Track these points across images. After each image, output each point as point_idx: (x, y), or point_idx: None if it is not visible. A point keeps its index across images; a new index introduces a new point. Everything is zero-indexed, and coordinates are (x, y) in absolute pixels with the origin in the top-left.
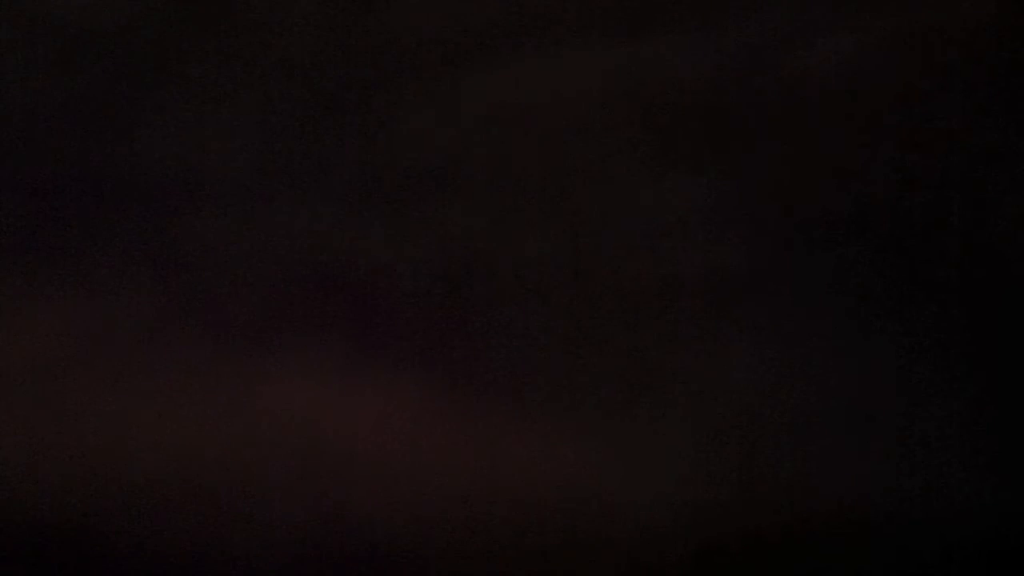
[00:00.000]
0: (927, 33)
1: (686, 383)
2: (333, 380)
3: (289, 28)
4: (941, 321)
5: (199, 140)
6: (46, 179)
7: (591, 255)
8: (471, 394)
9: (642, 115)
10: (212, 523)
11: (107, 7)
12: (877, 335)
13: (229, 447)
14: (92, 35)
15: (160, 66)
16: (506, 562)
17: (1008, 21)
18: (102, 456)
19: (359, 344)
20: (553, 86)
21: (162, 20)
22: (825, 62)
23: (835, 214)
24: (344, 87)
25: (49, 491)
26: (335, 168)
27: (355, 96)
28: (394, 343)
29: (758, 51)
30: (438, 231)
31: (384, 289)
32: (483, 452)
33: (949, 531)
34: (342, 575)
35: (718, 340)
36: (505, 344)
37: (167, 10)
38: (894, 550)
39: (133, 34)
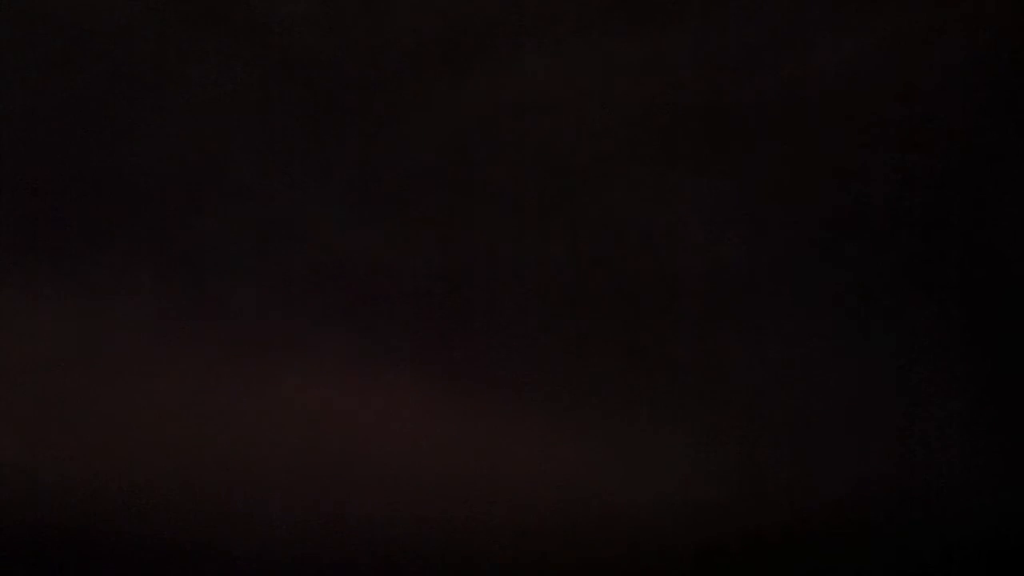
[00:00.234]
0: (928, 33)
1: (686, 382)
2: (335, 380)
3: (290, 28)
4: (941, 321)
5: (200, 140)
6: (47, 179)
7: (591, 254)
8: (472, 394)
9: (642, 114)
10: (214, 522)
11: (107, 7)
12: (877, 335)
13: (231, 447)
14: (92, 35)
15: (160, 66)
16: (507, 561)
17: (1008, 20)
18: (104, 455)
19: (361, 344)
20: (554, 85)
21: (162, 20)
22: (826, 62)
23: (835, 214)
24: (345, 86)
25: (51, 490)
26: (336, 168)
27: (356, 95)
28: (396, 342)
29: (759, 50)
30: (439, 231)
31: (385, 289)
32: (484, 452)
33: (949, 530)
34: (344, 574)
35: (718, 339)
36: (506, 344)
37: (167, 10)
38: (894, 549)
39: (133, 34)
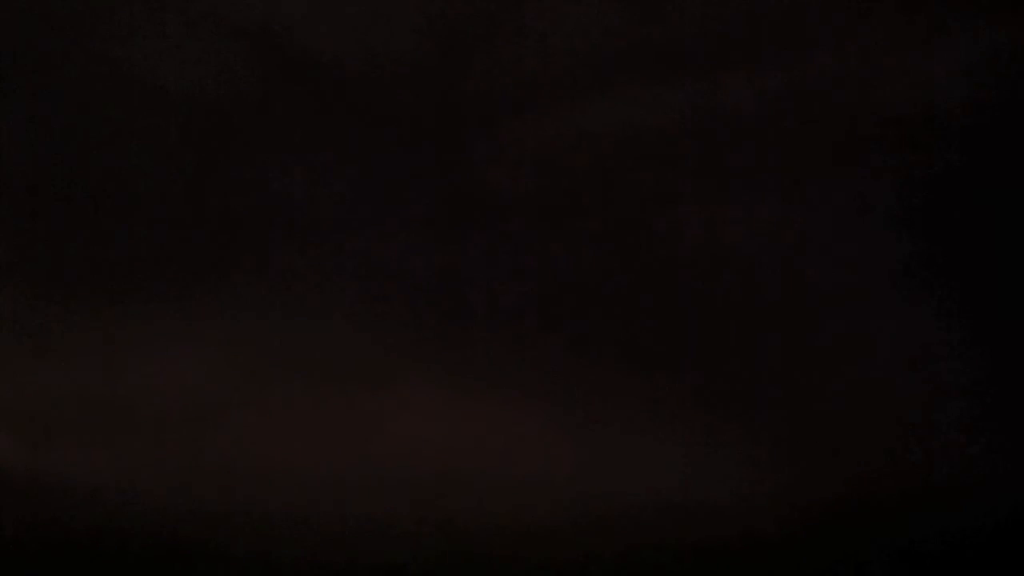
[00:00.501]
0: (929, 33)
1: (686, 383)
2: (435, 405)
3: (376, 79)
4: (941, 321)
5: (291, 182)
6: (174, 228)
7: (658, 278)
8: (564, 409)
9: (706, 148)
10: (340, 537)
11: (217, 79)
12: (876, 334)
13: (359, 471)
14: (207, 103)
15: (262, 120)
16: (599, 565)
17: (1009, 21)
18: (213, 479)
19: (471, 369)
20: (622, 122)
21: (264, 85)
22: (882, 95)
23: (836, 214)
24: (442, 128)
25: (195, 513)
26: (418, 203)
27: (453, 135)
28: (486, 363)
29: (816, 87)
30: (520, 258)
31: (474, 313)
32: (582, 467)
33: (948, 529)
34: None
35: (718, 339)
36: (594, 362)
37: (263, 75)
38: (893, 548)
39: (239, 97)
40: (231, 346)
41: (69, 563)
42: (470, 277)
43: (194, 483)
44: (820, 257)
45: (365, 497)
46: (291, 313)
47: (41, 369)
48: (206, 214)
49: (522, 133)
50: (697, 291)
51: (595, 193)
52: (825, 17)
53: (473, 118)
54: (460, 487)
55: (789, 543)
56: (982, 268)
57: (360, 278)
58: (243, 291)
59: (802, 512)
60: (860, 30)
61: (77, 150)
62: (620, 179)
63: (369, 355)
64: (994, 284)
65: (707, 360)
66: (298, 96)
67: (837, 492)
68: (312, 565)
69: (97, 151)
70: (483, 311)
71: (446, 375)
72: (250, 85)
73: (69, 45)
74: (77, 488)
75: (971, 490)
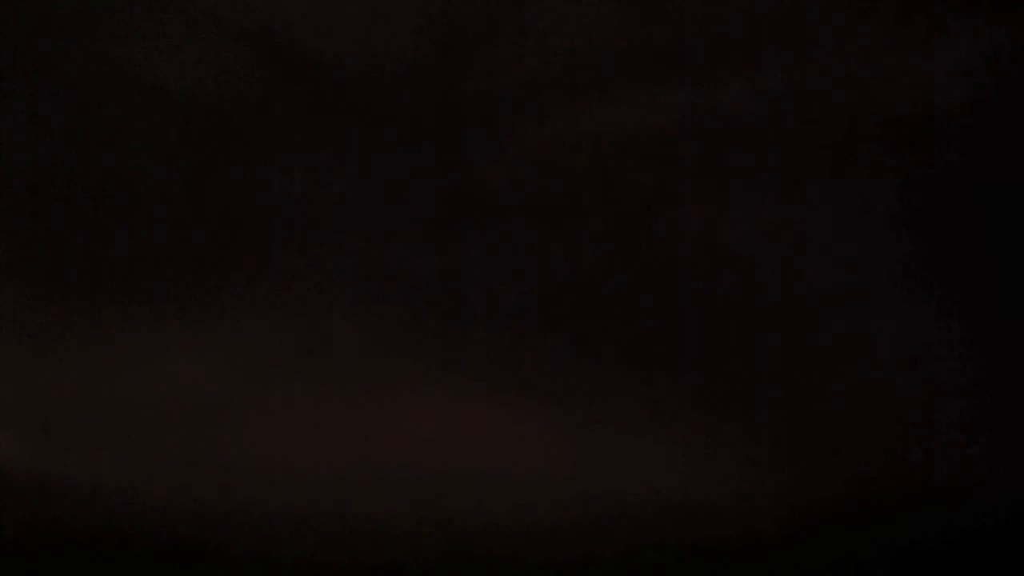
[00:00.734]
0: (930, 35)
1: (686, 383)
2: (435, 405)
3: (376, 80)
4: (941, 321)
5: (291, 183)
6: (177, 230)
7: (658, 278)
8: (564, 409)
9: (707, 150)
10: (340, 537)
11: (215, 80)
12: (876, 334)
13: (361, 474)
14: (208, 103)
15: (261, 122)
16: (600, 565)
17: (1008, 22)
18: (219, 479)
19: (476, 371)
20: (623, 122)
21: (265, 86)
22: (881, 95)
23: (836, 215)
24: (447, 130)
25: (195, 513)
26: (419, 203)
27: (459, 138)
28: (486, 364)
29: (816, 87)
30: (520, 258)
31: (474, 313)
32: (582, 467)
33: (948, 529)
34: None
35: (719, 339)
36: (594, 362)
37: (269, 79)
38: (893, 548)
39: (239, 97)
40: (231, 346)
41: (70, 563)
42: (470, 277)
43: (194, 483)
44: (820, 257)
45: (365, 497)
46: (291, 313)
47: (41, 369)
48: (206, 214)
49: (522, 133)
50: (697, 291)
51: (595, 193)
52: (825, 17)
53: (473, 118)
54: (460, 487)
55: (789, 543)
56: (982, 268)
57: (360, 278)
58: (243, 291)
59: (802, 512)
60: (860, 30)
61: (77, 150)
62: (620, 179)
63: (369, 355)
64: (994, 284)
65: (707, 360)
66: (298, 96)
67: (837, 492)
68: (312, 565)
69: (97, 151)
70: (483, 311)
71: (446, 375)
72: (250, 85)
73: (69, 45)
74: (78, 488)
75: (971, 490)
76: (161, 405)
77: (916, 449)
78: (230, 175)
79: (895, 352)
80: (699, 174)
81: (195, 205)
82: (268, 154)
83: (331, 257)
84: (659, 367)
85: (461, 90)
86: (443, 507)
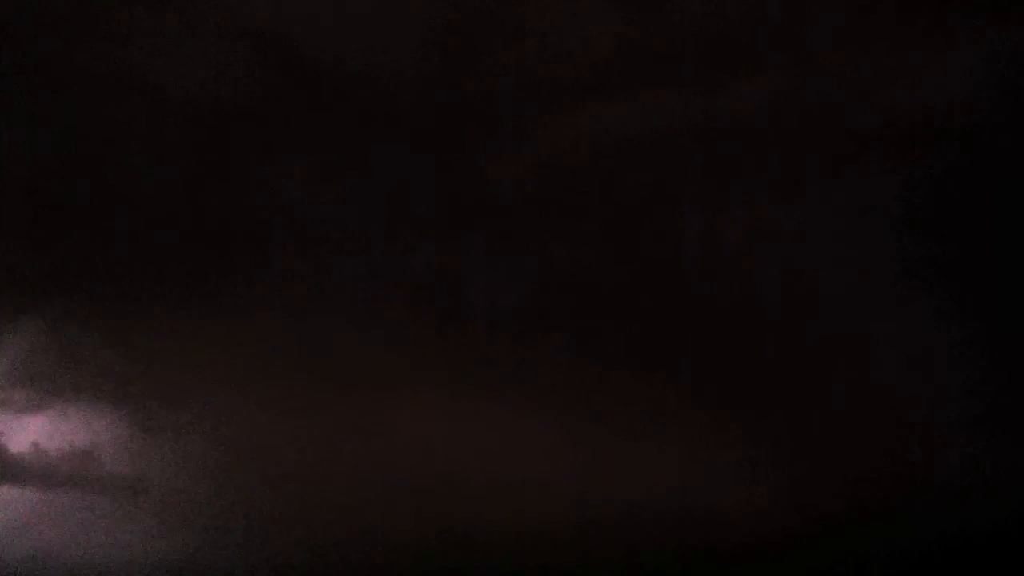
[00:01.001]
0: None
1: (688, 383)
2: (440, 405)
3: (397, 89)
4: (941, 321)
5: (319, 189)
6: (177, 230)
7: (658, 279)
8: (569, 412)
9: (708, 151)
10: (340, 535)
11: (222, 86)
12: (877, 334)
13: (358, 473)
14: (222, 108)
15: (265, 125)
16: (600, 567)
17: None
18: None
19: (474, 372)
20: (622, 125)
21: (266, 87)
22: (883, 97)
23: (836, 217)
24: (450, 134)
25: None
26: (444, 206)
27: (461, 141)
28: (491, 364)
29: (818, 90)
30: (520, 258)
31: (474, 314)
32: (582, 469)
33: (948, 529)
34: None
35: (720, 340)
36: (594, 362)
37: (282, 83)
38: (893, 548)
39: (243, 103)
40: (232, 348)
41: None
42: (470, 277)
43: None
44: (820, 257)
45: (365, 498)
46: (292, 314)
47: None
48: (205, 214)
49: (522, 135)
50: (697, 291)
51: (595, 194)
52: (825, 20)
53: (473, 120)
54: (460, 488)
55: (790, 544)
56: (982, 268)
57: (362, 278)
58: (242, 291)
59: (802, 513)
60: (860, 33)
61: (77, 149)
62: (620, 180)
63: (370, 356)
64: (994, 284)
65: (707, 361)
66: (299, 98)
67: (838, 492)
68: (312, 565)
69: (99, 152)
70: (483, 312)
71: (447, 376)
72: (251, 87)
73: (69, 47)
74: None
75: (971, 490)
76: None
77: (916, 449)
78: (232, 177)
79: (895, 352)
80: (700, 175)
81: (196, 206)
82: (269, 155)
83: (331, 257)
84: (658, 368)
85: (462, 92)
86: (443, 508)
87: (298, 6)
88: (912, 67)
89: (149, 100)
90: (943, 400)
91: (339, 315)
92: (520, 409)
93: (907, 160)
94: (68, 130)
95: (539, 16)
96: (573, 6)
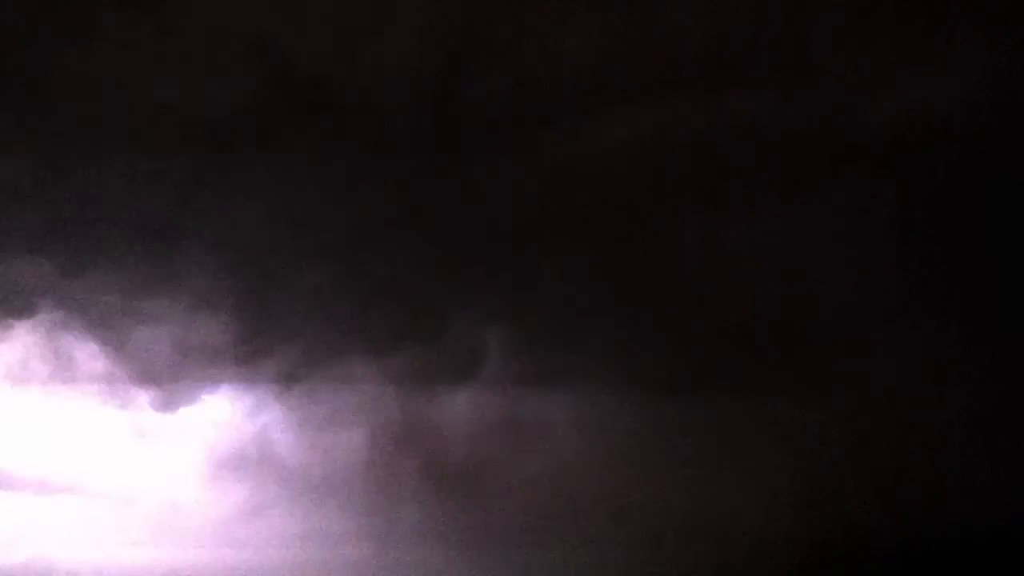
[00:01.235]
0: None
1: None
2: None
3: (392, 101)
4: (941, 322)
5: (312, 201)
6: (167, 241)
7: (677, 291)
8: (571, 426)
9: (708, 162)
10: None
11: (223, 96)
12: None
13: None
14: (213, 119)
15: (270, 139)
16: None
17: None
18: None
19: (458, 384)
20: (634, 140)
21: (267, 104)
22: (885, 115)
23: (836, 219)
24: (447, 145)
25: None
26: (441, 218)
27: (458, 152)
28: (485, 390)
29: (822, 107)
30: (518, 271)
31: (473, 333)
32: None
33: (948, 530)
34: None
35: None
36: (599, 387)
37: (274, 94)
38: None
39: (246, 115)
40: (227, 356)
41: None
42: (468, 289)
43: None
44: (820, 269)
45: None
46: (288, 326)
47: None
48: (205, 223)
49: (520, 149)
50: (699, 304)
51: (594, 207)
52: (825, 30)
53: (471, 135)
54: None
55: (790, 544)
56: (982, 270)
57: (357, 292)
58: (241, 306)
59: (804, 512)
60: (859, 40)
61: (76, 161)
62: (619, 194)
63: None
64: (994, 286)
65: (714, 380)
66: (294, 111)
67: (839, 494)
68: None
69: (95, 165)
70: (481, 330)
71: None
72: (249, 101)
73: (66, 56)
74: None
75: (971, 491)
76: None
77: (916, 449)
78: (226, 184)
79: (895, 354)
80: (700, 187)
81: (193, 220)
82: (264, 168)
83: (330, 271)
84: (663, 390)
85: (459, 107)
86: None
87: (294, 17)
88: (912, 70)
89: (144, 109)
90: (944, 402)
91: (333, 325)
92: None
93: (907, 163)
94: (62, 136)
95: (537, 25)
96: (572, 14)
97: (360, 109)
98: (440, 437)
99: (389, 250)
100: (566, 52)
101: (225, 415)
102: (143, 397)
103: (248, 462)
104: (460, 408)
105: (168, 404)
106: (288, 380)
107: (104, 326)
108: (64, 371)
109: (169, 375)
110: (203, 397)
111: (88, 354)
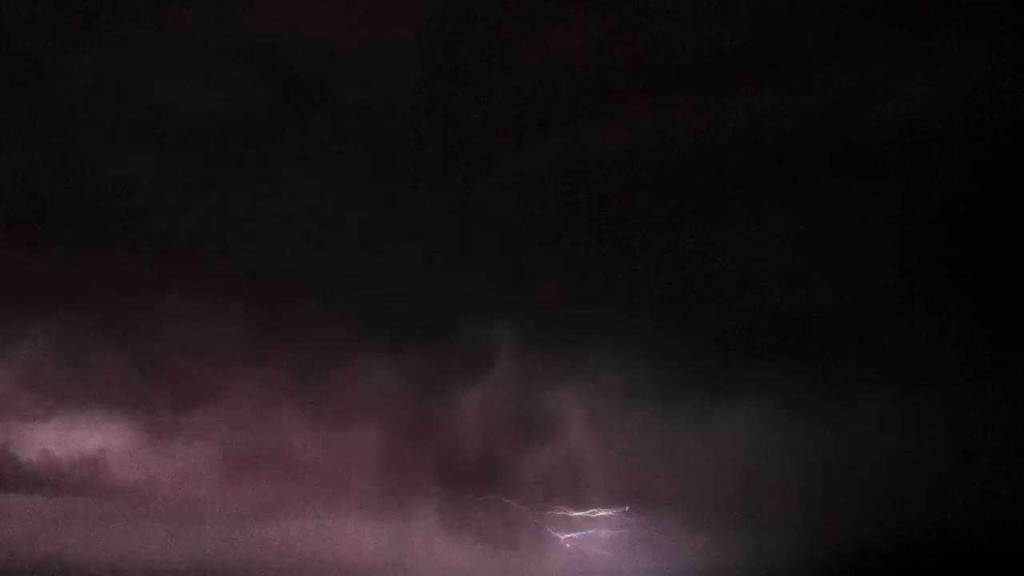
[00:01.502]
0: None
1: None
2: (436, 426)
3: (395, 102)
4: (941, 323)
5: (309, 205)
6: (170, 240)
7: (683, 294)
8: (575, 431)
9: (727, 164)
10: None
11: (228, 98)
12: (878, 340)
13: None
14: (218, 120)
15: (275, 140)
16: None
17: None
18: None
19: (457, 387)
20: (643, 140)
21: (276, 104)
22: (885, 116)
23: (837, 222)
24: (450, 145)
25: None
26: (444, 217)
27: (461, 153)
28: (488, 385)
29: (822, 107)
30: (543, 272)
31: (475, 338)
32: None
33: (948, 532)
34: None
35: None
36: (603, 393)
37: (279, 96)
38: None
39: (251, 116)
40: (238, 357)
41: None
42: (466, 296)
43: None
44: (822, 271)
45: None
46: (288, 333)
47: None
48: (204, 232)
49: (518, 152)
50: (699, 304)
51: (593, 213)
52: (825, 30)
53: (470, 140)
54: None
55: (792, 545)
56: (982, 271)
57: (358, 295)
58: (241, 311)
59: (808, 515)
60: (859, 44)
61: (78, 169)
62: (619, 199)
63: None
64: (994, 288)
65: (710, 367)
66: (296, 117)
67: (839, 502)
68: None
69: (101, 165)
70: (485, 334)
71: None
72: (250, 108)
73: (71, 63)
74: None
75: (972, 491)
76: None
77: (916, 450)
78: (231, 189)
79: (897, 355)
80: (700, 187)
81: (195, 225)
82: (265, 174)
83: (328, 274)
84: (667, 378)
85: (462, 110)
86: None
87: (295, 26)
88: (912, 70)
89: (154, 115)
90: (944, 402)
91: (335, 329)
92: (525, 429)
93: (907, 163)
94: (71, 142)
95: (534, 32)
96: (572, 14)
97: (363, 110)
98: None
99: (397, 251)
100: (566, 52)
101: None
102: (158, 396)
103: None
104: (472, 405)
105: (183, 404)
106: (301, 379)
107: (118, 326)
108: (78, 371)
109: (183, 375)
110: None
111: (102, 354)
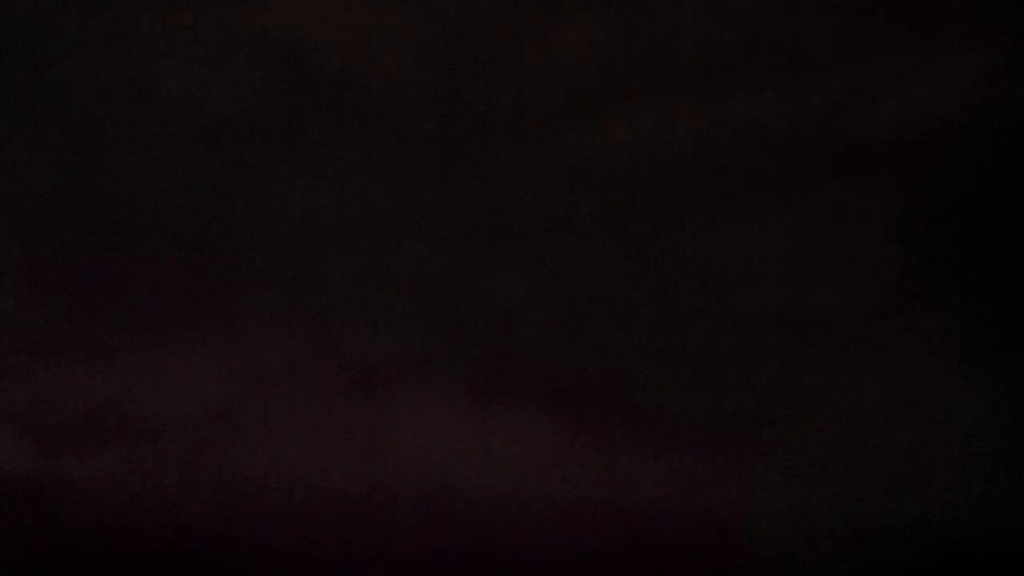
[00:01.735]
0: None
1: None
2: (459, 416)
3: (401, 99)
4: (942, 324)
5: (325, 198)
6: (187, 239)
7: (691, 291)
8: (593, 424)
9: (727, 164)
10: (349, 554)
11: (238, 95)
12: (880, 342)
13: (364, 483)
14: (229, 117)
15: (285, 137)
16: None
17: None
18: (250, 490)
19: (482, 380)
20: (643, 140)
21: (286, 100)
22: (885, 116)
23: (837, 222)
24: (454, 144)
25: (201, 520)
26: (449, 215)
27: (465, 151)
28: (515, 377)
29: (822, 107)
30: (546, 271)
31: (502, 326)
32: (608, 482)
33: (947, 533)
34: None
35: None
36: (620, 375)
37: (290, 92)
38: (894, 553)
39: (261, 113)
40: (238, 352)
41: (71, 566)
42: (486, 291)
43: (198, 489)
44: (822, 272)
45: (369, 508)
46: (300, 320)
47: (48, 375)
48: (219, 226)
49: (525, 148)
50: (700, 303)
51: (598, 208)
52: (825, 30)
53: (477, 135)
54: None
55: (792, 547)
56: (982, 272)
57: (371, 286)
58: (253, 298)
59: (805, 515)
60: (859, 45)
61: (88, 162)
62: (623, 196)
63: (376, 363)
64: (994, 288)
65: (714, 376)
66: (308, 109)
67: (834, 494)
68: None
69: (109, 163)
70: (498, 325)
71: (454, 384)
72: (262, 99)
73: (79, 57)
74: (80, 492)
75: (971, 491)
76: (165, 412)
77: (916, 450)
78: (240, 187)
79: (896, 356)
80: (701, 189)
81: (209, 216)
82: (277, 165)
83: (340, 265)
84: (664, 381)
85: (465, 108)
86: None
87: (306, 16)
88: (912, 70)
89: (157, 108)
90: (947, 416)
91: (345, 324)
92: (527, 418)
93: (907, 163)
94: (75, 139)
95: (543, 28)
96: (572, 14)
97: (368, 108)
98: None
99: (408, 248)
100: (566, 52)
101: None
102: None
103: None
104: None
105: None
106: None
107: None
108: None
109: None
110: None
111: None
